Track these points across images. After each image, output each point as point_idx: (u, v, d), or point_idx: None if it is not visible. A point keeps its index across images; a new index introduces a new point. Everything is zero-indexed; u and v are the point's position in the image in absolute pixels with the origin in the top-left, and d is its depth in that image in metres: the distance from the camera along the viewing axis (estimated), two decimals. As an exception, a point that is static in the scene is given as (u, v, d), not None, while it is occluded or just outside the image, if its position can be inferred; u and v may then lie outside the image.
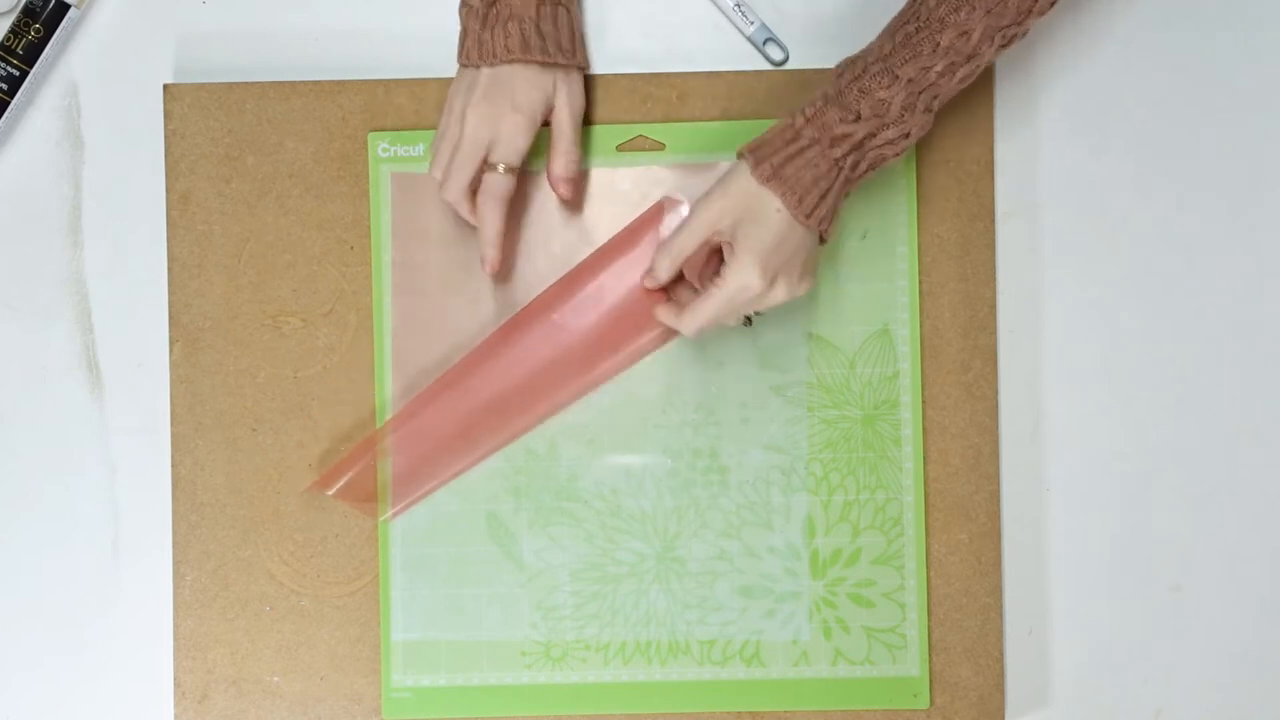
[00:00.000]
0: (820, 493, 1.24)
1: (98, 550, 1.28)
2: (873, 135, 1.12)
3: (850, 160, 1.13)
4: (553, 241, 1.25)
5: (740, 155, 1.14)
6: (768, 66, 1.27)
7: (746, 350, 1.25)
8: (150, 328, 1.27)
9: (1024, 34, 1.14)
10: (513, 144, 1.18)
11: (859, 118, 1.12)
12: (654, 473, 1.25)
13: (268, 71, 1.28)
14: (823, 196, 1.13)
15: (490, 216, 1.19)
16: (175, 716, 1.25)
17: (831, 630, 1.24)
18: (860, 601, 1.24)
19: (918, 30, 1.12)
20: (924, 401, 1.25)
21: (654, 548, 1.25)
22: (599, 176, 1.25)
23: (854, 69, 1.13)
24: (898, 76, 1.12)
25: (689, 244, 1.15)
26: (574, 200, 1.24)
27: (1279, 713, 1.27)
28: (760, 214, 1.13)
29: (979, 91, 1.24)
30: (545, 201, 1.25)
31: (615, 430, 1.25)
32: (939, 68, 1.12)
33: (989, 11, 1.11)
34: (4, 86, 1.26)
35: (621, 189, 1.25)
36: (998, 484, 1.25)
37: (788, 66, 1.27)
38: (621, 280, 1.24)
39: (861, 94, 1.12)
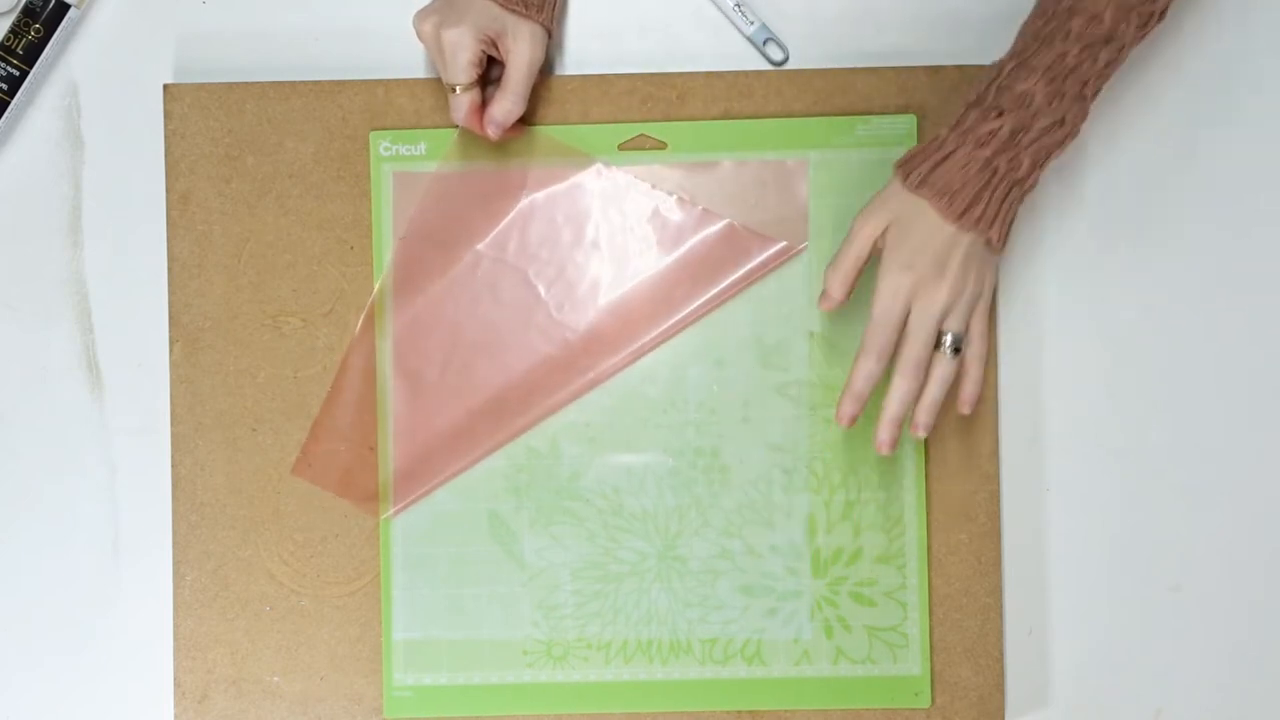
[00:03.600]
0: (822, 492, 1.24)
1: (98, 550, 1.27)
2: (1024, 129, 1.12)
3: (1005, 160, 1.12)
4: (553, 239, 1.25)
5: (894, 169, 1.15)
6: (768, 66, 1.27)
7: (748, 349, 1.25)
8: (150, 328, 1.27)
9: (1160, 14, 1.14)
10: (455, 59, 1.18)
11: (1001, 113, 1.12)
12: (655, 471, 1.25)
13: (268, 71, 1.28)
14: (976, 197, 1.13)
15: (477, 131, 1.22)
16: (175, 716, 1.25)
17: (833, 629, 1.24)
18: (862, 600, 1.24)
19: (1047, 24, 1.13)
20: (924, 401, 1.25)
21: (655, 546, 1.25)
22: (600, 175, 1.25)
23: (991, 72, 1.14)
24: (1034, 67, 1.12)
25: (853, 258, 1.16)
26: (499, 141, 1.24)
27: (1279, 713, 1.27)
28: (909, 218, 1.14)
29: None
30: (546, 199, 1.25)
31: (617, 429, 1.25)
32: (1075, 52, 1.12)
33: None
34: (4, 86, 1.26)
35: (623, 187, 1.25)
36: (998, 484, 1.25)
37: (788, 66, 1.27)
38: (622, 278, 1.25)
39: (1000, 91, 1.12)
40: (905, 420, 1.17)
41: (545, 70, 1.27)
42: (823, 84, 1.25)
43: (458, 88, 1.20)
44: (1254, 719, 1.27)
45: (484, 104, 1.21)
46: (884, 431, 1.16)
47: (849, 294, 1.17)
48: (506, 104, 1.20)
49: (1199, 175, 1.27)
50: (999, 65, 1.14)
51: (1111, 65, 1.14)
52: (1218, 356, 1.27)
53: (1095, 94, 1.14)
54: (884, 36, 1.27)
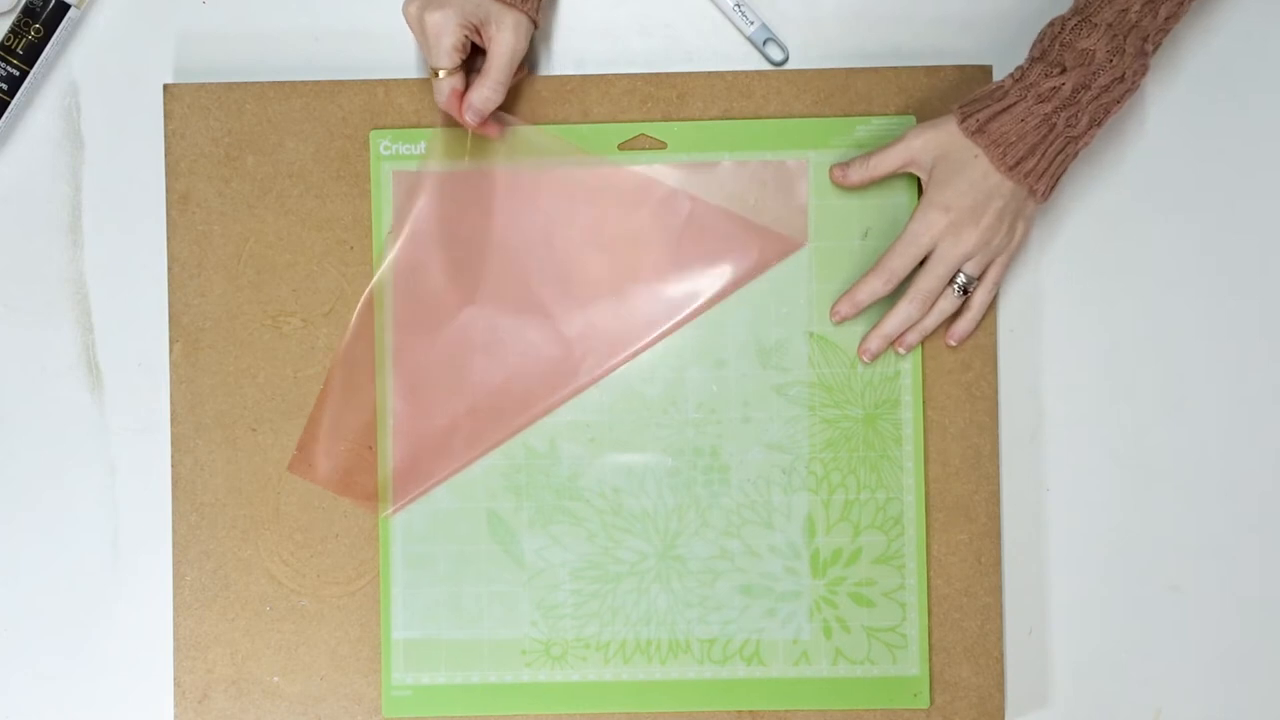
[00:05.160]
0: (821, 492, 1.24)
1: (98, 550, 1.27)
2: (1084, 86, 1.15)
3: (1065, 116, 1.15)
4: (553, 238, 1.25)
5: (954, 109, 1.18)
6: (768, 66, 1.27)
7: (748, 349, 1.25)
8: (150, 328, 1.27)
9: None
10: (438, 43, 1.18)
11: (1064, 70, 1.15)
12: (655, 471, 1.25)
13: (268, 71, 1.28)
14: (1031, 150, 1.16)
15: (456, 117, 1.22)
16: (175, 716, 1.25)
17: (832, 629, 1.24)
18: (861, 601, 1.24)
19: None
20: (924, 401, 1.25)
21: (655, 546, 1.25)
22: (600, 175, 1.25)
23: (1053, 29, 1.16)
24: (1095, 24, 1.14)
25: (888, 163, 1.20)
26: (480, 130, 1.23)
27: (1279, 713, 1.27)
28: (959, 159, 1.17)
29: (979, 91, 1.25)
30: (545, 199, 1.25)
31: (616, 429, 1.25)
32: (1137, 7, 1.14)
33: None
34: (4, 86, 1.26)
35: (623, 187, 1.25)
36: (998, 484, 1.25)
37: (788, 66, 1.27)
38: (622, 277, 1.25)
39: (1063, 48, 1.15)
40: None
41: (545, 70, 1.27)
42: (822, 84, 1.25)
43: (440, 72, 1.20)
44: (1253, 719, 1.27)
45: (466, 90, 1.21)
46: (873, 341, 1.23)
47: (861, 185, 1.22)
48: (485, 91, 1.20)
49: (1199, 175, 1.27)
50: (1061, 20, 1.16)
51: (1172, 20, 1.16)
52: (1218, 356, 1.27)
53: (1155, 48, 1.16)
54: (883, 36, 1.27)
